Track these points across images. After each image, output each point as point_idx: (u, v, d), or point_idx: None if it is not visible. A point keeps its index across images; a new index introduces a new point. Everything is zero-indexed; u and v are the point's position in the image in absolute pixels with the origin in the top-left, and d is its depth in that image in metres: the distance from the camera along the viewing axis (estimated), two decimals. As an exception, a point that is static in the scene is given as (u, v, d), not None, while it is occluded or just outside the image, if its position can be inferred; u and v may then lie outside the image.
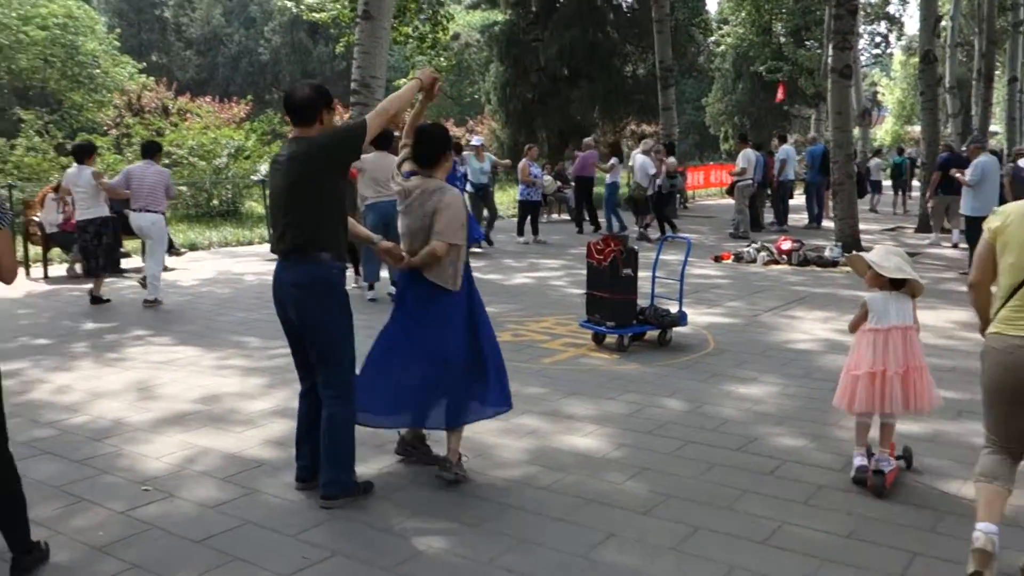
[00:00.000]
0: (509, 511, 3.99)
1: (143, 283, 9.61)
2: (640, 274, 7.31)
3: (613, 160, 16.41)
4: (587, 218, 17.08)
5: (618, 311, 7.07)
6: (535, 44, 27.79)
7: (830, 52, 14.99)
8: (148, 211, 9.36)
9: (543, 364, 6.74)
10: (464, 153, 14.58)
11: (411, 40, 19.27)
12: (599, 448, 4.82)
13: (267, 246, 15.45)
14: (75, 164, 9.80)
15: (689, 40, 31.32)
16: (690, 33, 31.35)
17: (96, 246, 9.51)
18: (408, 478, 4.41)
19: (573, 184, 17.65)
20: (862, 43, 35.50)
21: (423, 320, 4.26)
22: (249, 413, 5.51)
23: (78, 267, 11.43)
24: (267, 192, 4.18)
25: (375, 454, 4.66)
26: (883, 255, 4.23)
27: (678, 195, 22.25)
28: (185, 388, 6.10)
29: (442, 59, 20.11)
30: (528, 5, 28.63)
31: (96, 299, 9.45)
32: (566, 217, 20.49)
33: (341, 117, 32.23)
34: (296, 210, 3.91)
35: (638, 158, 15.34)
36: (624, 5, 30.73)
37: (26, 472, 4.47)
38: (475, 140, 15.90)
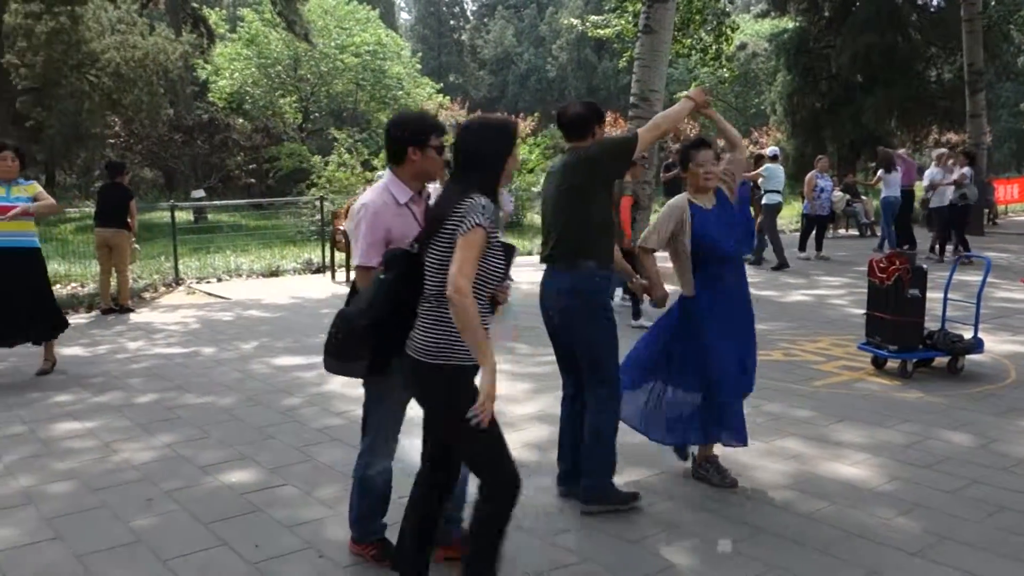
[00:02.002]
0: (763, 536, 3.84)
1: None
2: (930, 295, 6.73)
3: (880, 172, 15.15)
4: (899, 234, 15.27)
5: (902, 334, 6.55)
6: (826, 51, 26.48)
7: None
8: None
9: (814, 386, 6.40)
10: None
11: (694, 52, 19.09)
12: (868, 479, 4.50)
13: (544, 256, 15.98)
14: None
15: (1004, 40, 28.30)
16: (1005, 32, 28.32)
17: None
18: (664, 493, 4.37)
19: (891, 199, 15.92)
20: None
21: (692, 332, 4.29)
22: (512, 416, 5.73)
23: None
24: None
25: (633, 464, 4.67)
26: None
27: (986, 210, 20.19)
28: (458, 388, 6.45)
29: (725, 70, 19.71)
30: (820, 10, 27.34)
31: None
32: (854, 232, 19.31)
33: (622, 130, 32.60)
34: (564, 218, 4.04)
35: (932, 170, 14.10)
36: (929, 4, 28.47)
37: (317, 456, 4.99)
38: (769, 151, 15.23)
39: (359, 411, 5.85)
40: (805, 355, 7.44)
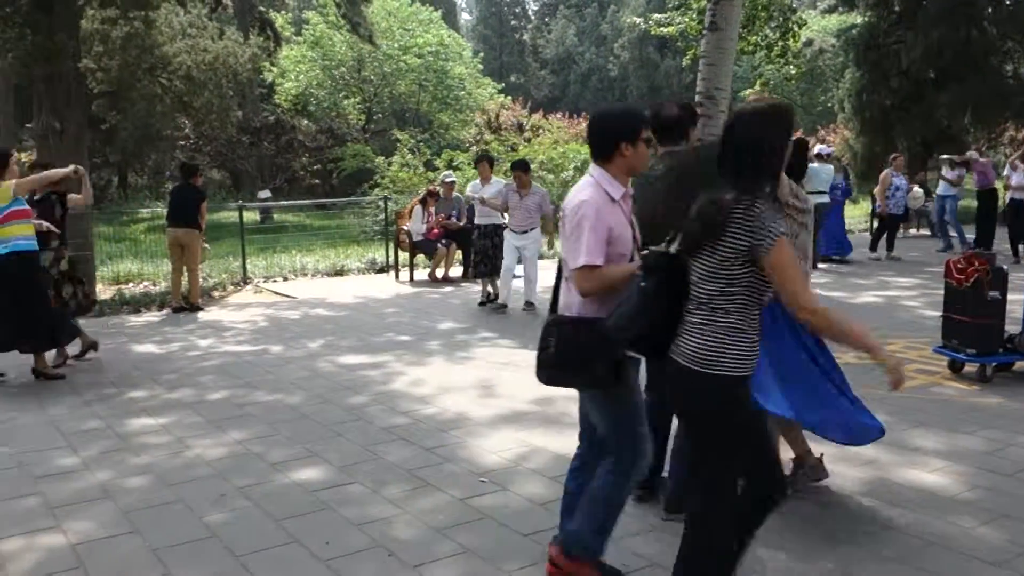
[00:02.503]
0: (839, 545, 3.74)
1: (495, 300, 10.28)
2: (1011, 297, 6.50)
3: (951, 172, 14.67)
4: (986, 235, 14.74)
5: (981, 337, 6.34)
6: (896, 46, 25.80)
7: None
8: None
9: (888, 391, 6.22)
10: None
11: (759, 49, 18.78)
12: (948, 487, 4.36)
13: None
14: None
15: (1086, 32, 27.26)
16: (1087, 24, 27.26)
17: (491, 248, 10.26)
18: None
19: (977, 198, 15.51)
20: None
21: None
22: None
23: (439, 272, 12.61)
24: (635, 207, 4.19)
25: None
26: None
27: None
28: (522, 388, 6.44)
29: (791, 67, 19.34)
30: (890, 5, 26.67)
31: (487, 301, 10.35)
32: (925, 232, 18.80)
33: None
34: (668, 226, 3.90)
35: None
36: (1006, -3, 27.57)
37: (384, 455, 5.02)
38: (822, 149, 14.93)
39: (425, 410, 5.92)
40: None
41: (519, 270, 10.05)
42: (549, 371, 3.26)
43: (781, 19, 18.59)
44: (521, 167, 9.84)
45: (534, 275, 9.98)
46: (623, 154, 3.22)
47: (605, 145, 3.25)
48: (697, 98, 13.07)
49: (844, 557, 3.62)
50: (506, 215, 10.08)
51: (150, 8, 12.26)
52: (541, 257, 10.76)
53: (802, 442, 4.39)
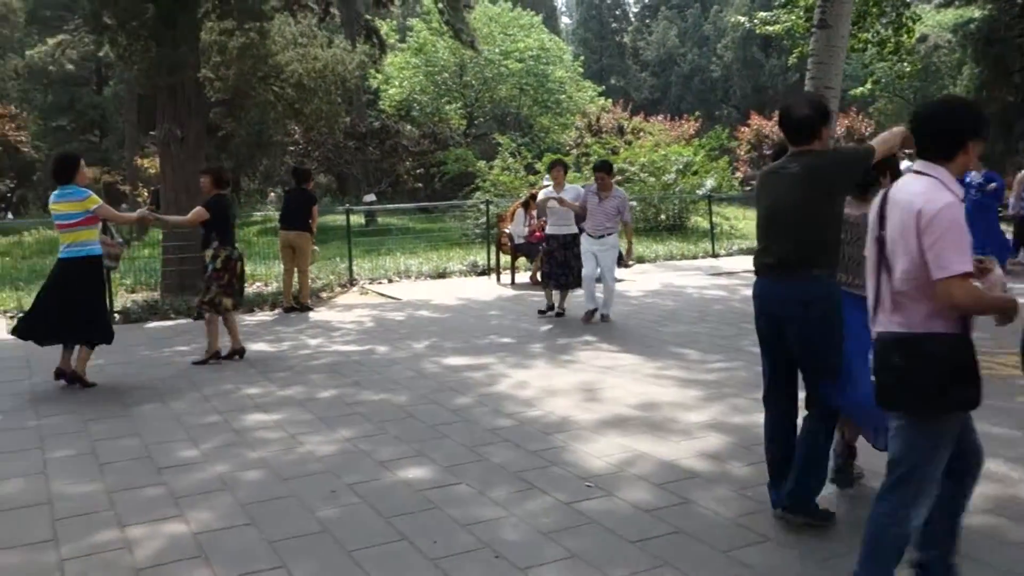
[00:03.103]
0: (968, 564, 3.57)
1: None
2: None
3: None
4: None
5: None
6: (1019, 40, 24.61)
7: None
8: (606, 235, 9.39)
9: (1017, 403, 5.94)
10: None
11: (871, 46, 18.17)
12: (1084, 507, 4.12)
13: (710, 260, 15.64)
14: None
15: None
16: None
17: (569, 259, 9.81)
18: (853, 510, 4.16)
19: None
20: None
21: None
22: (685, 423, 5.62)
23: (540, 275, 12.62)
24: (757, 207, 4.15)
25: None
26: None
27: None
28: (627, 394, 6.40)
29: (905, 64, 18.64)
30: (1012, -3, 25.52)
31: (560, 312, 9.87)
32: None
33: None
34: (798, 226, 3.85)
35: None
36: None
37: (489, 456, 5.05)
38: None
39: (529, 413, 5.94)
40: (1005, 369, 6.90)
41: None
42: (900, 395, 3.01)
43: (894, 14, 17.94)
44: (604, 168, 9.54)
45: (612, 283, 9.53)
46: (968, 152, 3.02)
47: (949, 142, 3.02)
48: (806, 98, 12.78)
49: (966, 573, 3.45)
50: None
51: (264, 19, 12.71)
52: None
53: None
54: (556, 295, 9.97)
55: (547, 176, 15.18)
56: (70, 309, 6.93)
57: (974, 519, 4.00)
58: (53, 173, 7.10)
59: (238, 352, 7.92)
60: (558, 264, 9.73)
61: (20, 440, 5.61)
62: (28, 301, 10.92)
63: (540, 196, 9.89)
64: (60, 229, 7.06)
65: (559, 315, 9.77)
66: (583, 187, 9.95)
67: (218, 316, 7.76)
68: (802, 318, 3.84)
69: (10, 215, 36.54)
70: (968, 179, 12.92)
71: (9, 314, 10.70)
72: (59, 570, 3.71)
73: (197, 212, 7.70)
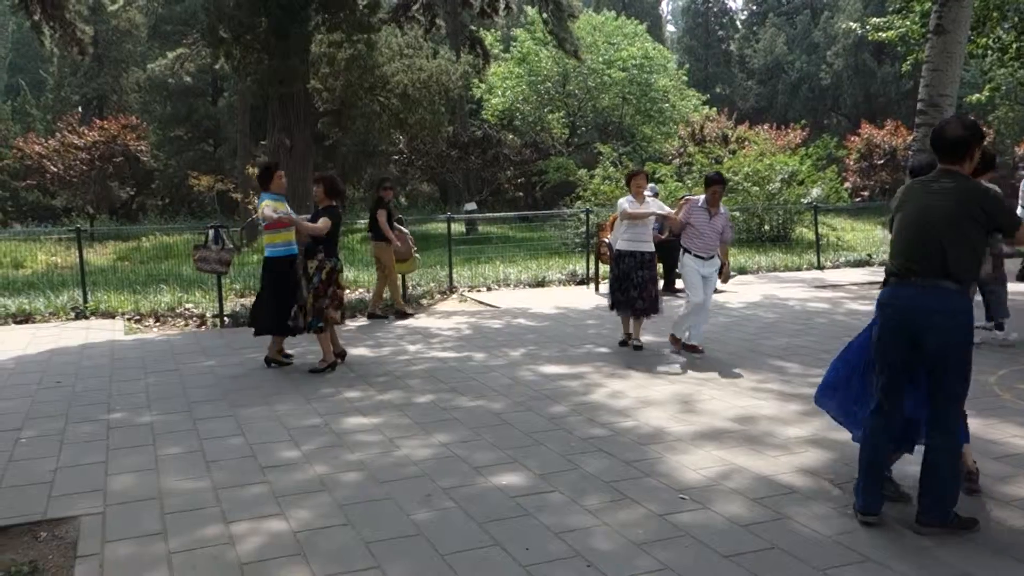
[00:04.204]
0: (1020, 568, 3.40)
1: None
2: None
3: None
4: None
5: None
6: None
7: None
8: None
9: None
10: None
11: (991, 52, 17.41)
12: None
13: (815, 273, 15.24)
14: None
15: None
16: None
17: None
18: (954, 533, 3.99)
19: None
20: None
21: None
22: (784, 438, 5.49)
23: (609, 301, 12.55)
24: (903, 214, 4.24)
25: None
26: None
27: None
28: (724, 406, 6.29)
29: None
30: None
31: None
32: None
33: (904, 139, 30.39)
34: (951, 240, 3.93)
35: None
36: None
37: (583, 464, 5.05)
38: None
39: (624, 423, 5.91)
40: None
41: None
42: None
43: (1016, 19, 17.17)
44: (719, 180, 8.35)
45: (708, 309, 8.57)
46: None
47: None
48: (920, 105, 12.35)
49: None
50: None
51: (372, 31, 13.08)
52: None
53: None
54: (631, 322, 8.78)
55: (649, 185, 15.04)
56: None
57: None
58: (258, 178, 8.12)
59: (340, 356, 8.11)
60: (635, 287, 8.47)
61: (134, 437, 5.89)
62: (145, 304, 11.52)
63: (621, 206, 8.60)
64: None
65: (637, 348, 8.57)
66: (683, 198, 9.11)
67: (331, 326, 7.94)
68: (940, 329, 3.93)
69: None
70: None
71: (127, 316, 11.25)
72: (167, 562, 3.88)
73: (325, 223, 7.66)
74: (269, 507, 4.51)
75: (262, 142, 22.74)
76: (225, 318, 10.70)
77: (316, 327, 7.71)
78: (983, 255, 4.06)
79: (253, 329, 8.23)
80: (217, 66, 27.40)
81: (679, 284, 13.04)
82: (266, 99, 12.56)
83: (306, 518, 4.35)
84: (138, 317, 11.22)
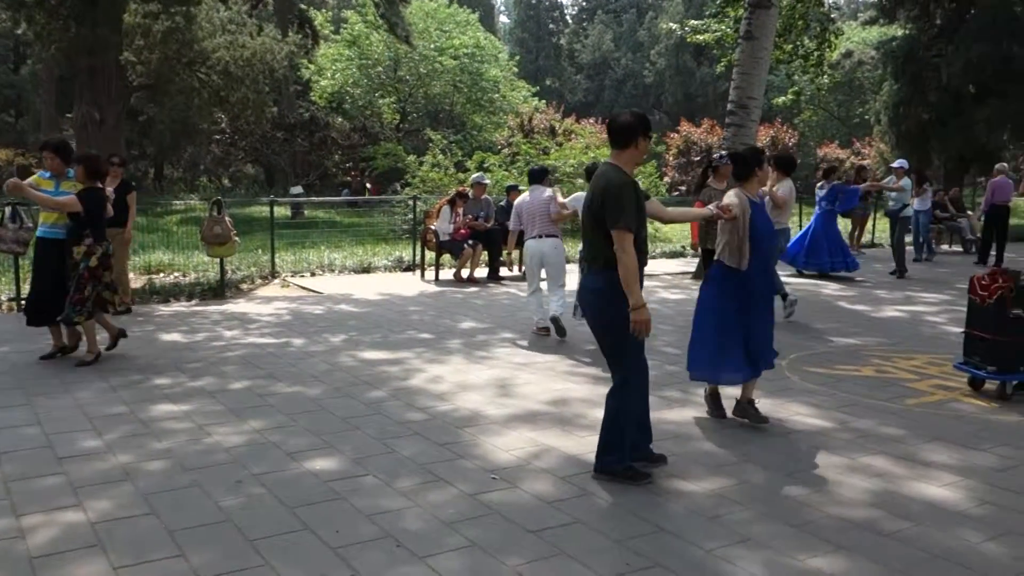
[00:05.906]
0: (841, 552, 3.76)
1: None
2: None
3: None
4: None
5: (1002, 355, 6.29)
6: (936, 60, 25.57)
7: None
8: (548, 236, 8.76)
9: (906, 405, 6.21)
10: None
11: (795, 59, 18.71)
12: (956, 502, 4.35)
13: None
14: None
15: None
16: None
17: None
18: (740, 503, 4.32)
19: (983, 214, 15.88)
20: None
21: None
22: (593, 419, 5.73)
23: (464, 272, 12.70)
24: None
25: (713, 474, 4.65)
26: None
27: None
28: (539, 390, 6.50)
29: (824, 78, 19.25)
30: (932, 18, 26.43)
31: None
32: (957, 248, 18.68)
33: (718, 138, 32.13)
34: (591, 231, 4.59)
35: None
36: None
37: (398, 448, 5.09)
38: (897, 162, 15.00)
39: (441, 407, 6.01)
40: (898, 372, 7.22)
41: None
42: None
43: (819, 28, 18.51)
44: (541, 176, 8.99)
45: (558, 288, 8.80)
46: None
47: None
48: (729, 106, 13.12)
49: (849, 566, 3.63)
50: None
51: (191, 3, 12.52)
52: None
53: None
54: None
55: (476, 174, 15.19)
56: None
57: (857, 511, 4.21)
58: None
59: (120, 335, 7.63)
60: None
61: (-86, 426, 5.44)
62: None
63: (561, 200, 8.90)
64: None
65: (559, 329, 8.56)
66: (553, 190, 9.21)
67: (103, 313, 7.45)
68: (592, 304, 4.80)
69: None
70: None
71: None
72: (-53, 557, 3.63)
73: (71, 200, 7.08)
74: (65, 498, 4.29)
75: (68, 115, 21.26)
76: (22, 301, 9.98)
77: (72, 319, 7.16)
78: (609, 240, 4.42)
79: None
80: (19, 31, 25.39)
81: (503, 272, 13.33)
82: (73, 70, 11.79)
83: (106, 508, 4.17)
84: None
